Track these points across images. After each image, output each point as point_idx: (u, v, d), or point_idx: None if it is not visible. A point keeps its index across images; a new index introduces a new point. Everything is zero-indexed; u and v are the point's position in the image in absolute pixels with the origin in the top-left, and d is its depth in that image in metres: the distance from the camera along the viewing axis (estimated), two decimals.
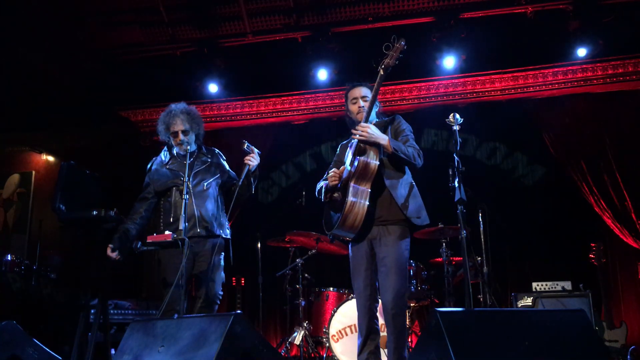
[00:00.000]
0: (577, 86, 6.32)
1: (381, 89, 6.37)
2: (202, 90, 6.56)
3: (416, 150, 3.29)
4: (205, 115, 7.12)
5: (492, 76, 6.42)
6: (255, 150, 3.68)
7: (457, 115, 3.36)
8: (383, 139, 3.18)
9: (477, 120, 6.26)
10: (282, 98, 6.85)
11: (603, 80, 6.20)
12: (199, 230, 3.61)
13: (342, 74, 6.25)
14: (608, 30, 5.65)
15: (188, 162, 3.57)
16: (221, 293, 3.73)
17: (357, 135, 3.19)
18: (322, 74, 6.22)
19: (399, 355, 3.18)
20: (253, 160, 3.62)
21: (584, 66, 6.14)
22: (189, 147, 3.71)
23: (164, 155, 3.89)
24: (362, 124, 3.21)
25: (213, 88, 6.51)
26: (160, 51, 6.52)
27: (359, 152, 3.24)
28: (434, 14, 5.88)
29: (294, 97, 6.88)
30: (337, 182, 3.35)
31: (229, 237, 3.80)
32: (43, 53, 6.48)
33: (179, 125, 3.75)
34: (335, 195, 3.37)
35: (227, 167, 3.91)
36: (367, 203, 3.18)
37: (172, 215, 3.66)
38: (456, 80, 6.45)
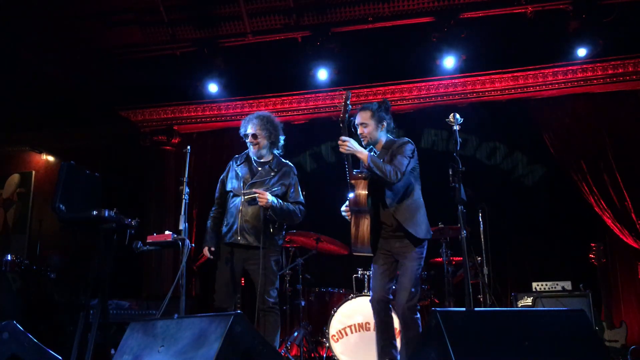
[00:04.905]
0: (577, 86, 6.32)
1: (381, 89, 6.45)
2: (202, 90, 6.55)
3: (396, 168, 3.41)
4: (205, 115, 7.15)
5: (492, 76, 6.41)
6: (261, 190, 3.76)
7: (457, 115, 3.38)
8: (361, 152, 3.42)
9: (477, 120, 6.26)
10: (282, 98, 6.84)
11: (603, 80, 6.19)
12: (239, 238, 3.80)
13: (342, 74, 6.24)
14: (608, 30, 5.65)
15: (252, 168, 3.92)
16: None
17: (340, 148, 3.43)
18: (322, 74, 6.20)
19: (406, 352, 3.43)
20: (260, 199, 3.71)
21: (584, 66, 6.14)
22: (262, 154, 3.95)
23: (241, 155, 4.09)
24: (342, 137, 3.42)
25: (213, 88, 6.50)
26: (160, 51, 6.52)
27: (351, 186, 3.49)
28: (434, 14, 5.88)
29: (294, 97, 6.87)
30: (349, 216, 3.58)
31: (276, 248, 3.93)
32: (43, 53, 6.48)
33: (250, 129, 3.95)
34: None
35: (292, 185, 4.01)
36: (369, 227, 3.44)
37: (226, 220, 3.88)
38: (456, 80, 6.44)
